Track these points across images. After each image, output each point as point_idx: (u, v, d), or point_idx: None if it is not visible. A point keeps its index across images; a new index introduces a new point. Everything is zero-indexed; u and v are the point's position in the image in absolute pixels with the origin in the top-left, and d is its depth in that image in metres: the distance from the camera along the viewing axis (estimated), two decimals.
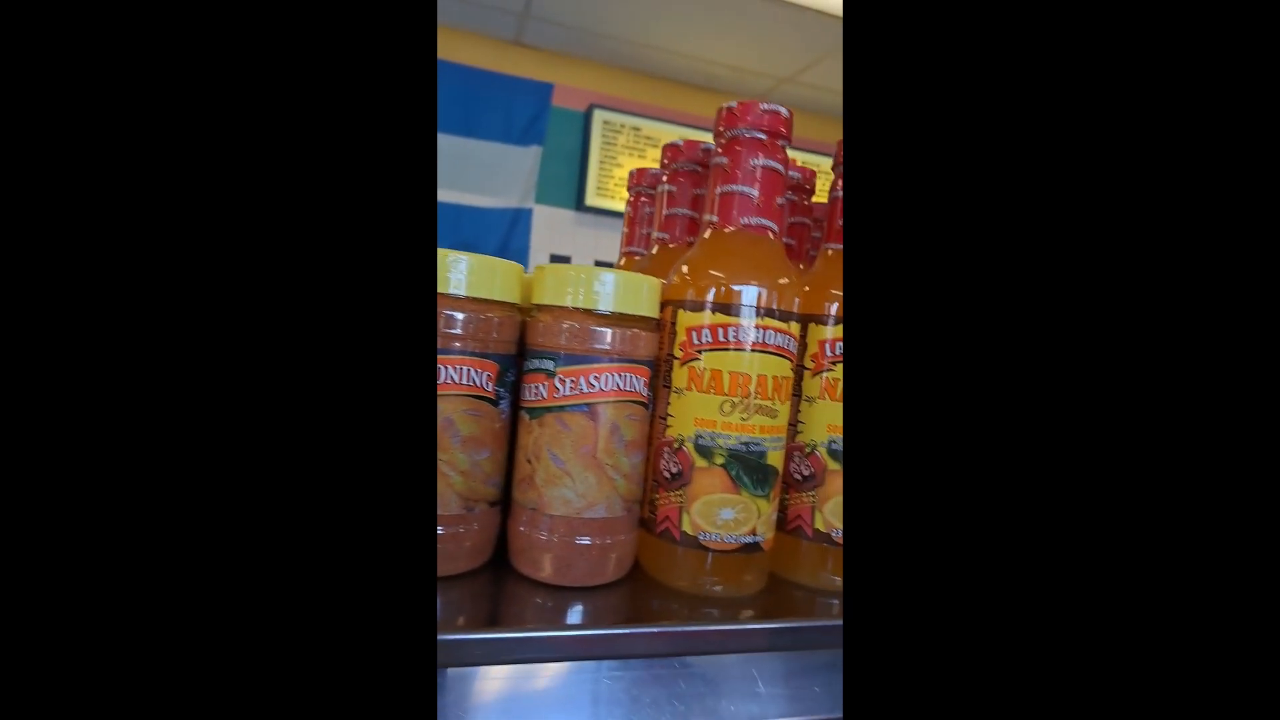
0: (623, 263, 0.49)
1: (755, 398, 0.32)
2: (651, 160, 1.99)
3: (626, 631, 0.30)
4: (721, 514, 0.32)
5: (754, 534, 0.33)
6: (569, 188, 2.05)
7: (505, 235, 1.99)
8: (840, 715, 0.35)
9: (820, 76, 2.01)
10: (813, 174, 0.45)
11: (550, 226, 2.02)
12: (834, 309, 0.35)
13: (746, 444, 0.32)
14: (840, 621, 0.33)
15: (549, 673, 0.33)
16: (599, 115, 2.03)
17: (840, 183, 0.37)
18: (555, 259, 2.02)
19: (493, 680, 0.32)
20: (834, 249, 0.37)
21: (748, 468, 0.32)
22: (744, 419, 0.32)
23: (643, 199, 0.47)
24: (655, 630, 0.30)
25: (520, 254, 1.98)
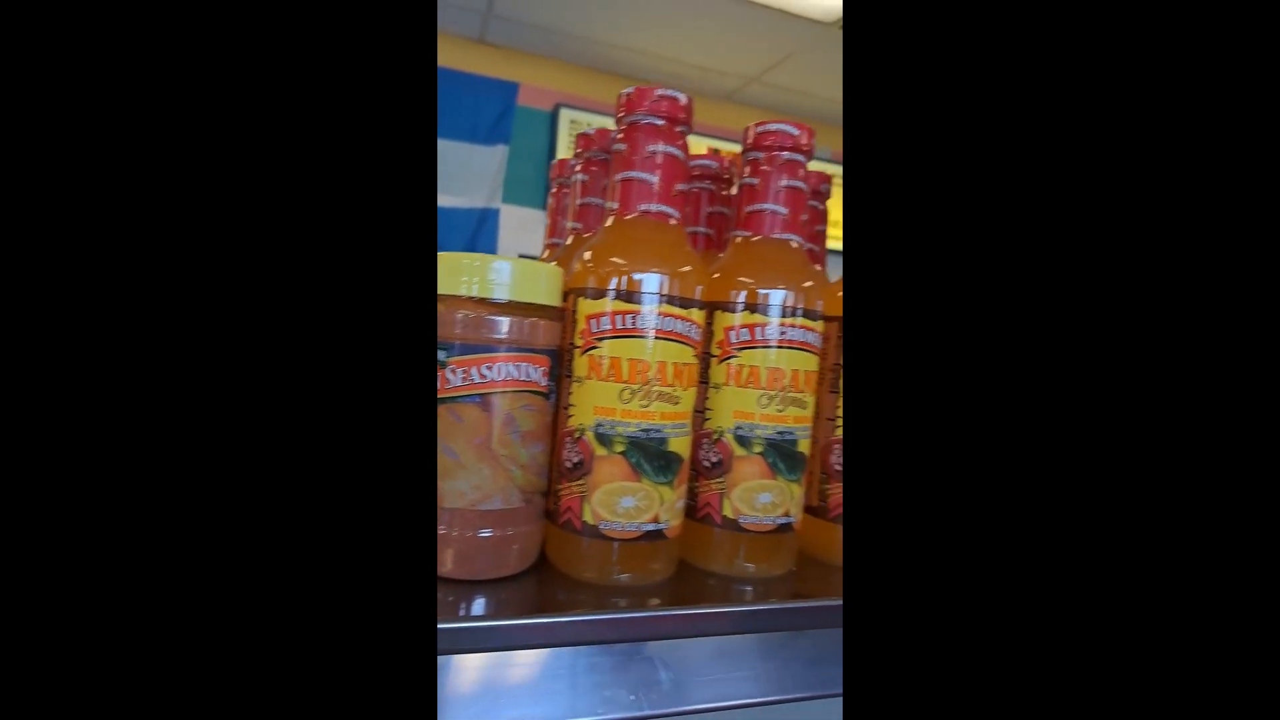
0: (545, 254, 0.48)
1: (655, 384, 0.32)
2: None
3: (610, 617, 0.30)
4: (622, 502, 0.32)
5: (657, 521, 0.33)
6: (536, 187, 2.04)
7: (472, 235, 1.98)
8: (763, 699, 0.35)
9: (785, 76, 2.03)
10: (731, 163, 0.45)
11: (518, 226, 2.01)
12: (741, 296, 0.35)
13: (646, 431, 0.32)
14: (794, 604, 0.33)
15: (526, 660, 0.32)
16: (565, 114, 2.03)
17: (748, 169, 0.37)
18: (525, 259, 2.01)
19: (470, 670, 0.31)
20: (741, 236, 0.37)
21: (648, 455, 0.32)
22: (644, 405, 0.32)
23: (564, 190, 0.46)
24: (629, 615, 0.30)
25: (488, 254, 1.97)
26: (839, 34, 1.76)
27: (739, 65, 2.00)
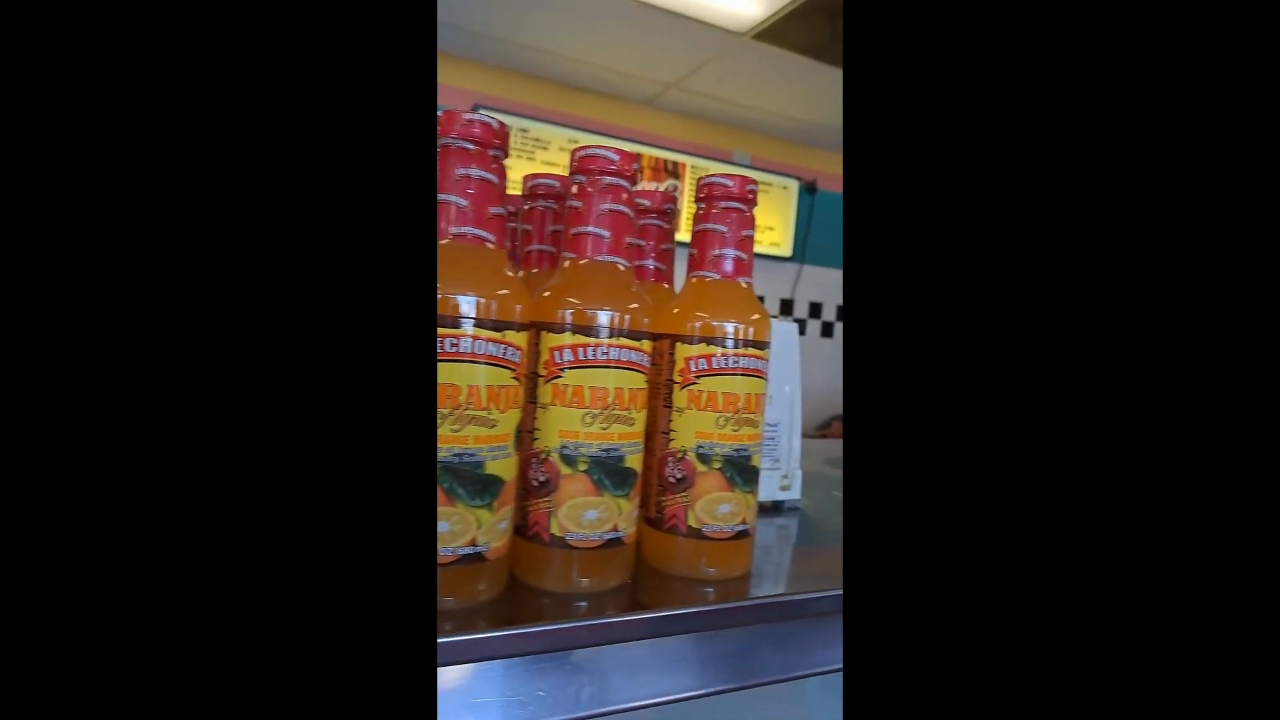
0: None
1: (468, 408, 0.32)
2: (541, 163, 1.97)
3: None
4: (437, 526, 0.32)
5: (475, 545, 0.33)
6: None
7: None
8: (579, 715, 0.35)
9: (704, 83, 2.07)
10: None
11: None
12: (567, 317, 0.36)
13: (459, 455, 0.32)
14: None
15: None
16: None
17: (574, 191, 0.37)
18: None
19: None
20: (569, 259, 0.37)
21: (462, 479, 0.32)
22: (455, 430, 0.32)
23: None
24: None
25: None
26: (751, 44, 1.80)
27: (657, 71, 2.02)
